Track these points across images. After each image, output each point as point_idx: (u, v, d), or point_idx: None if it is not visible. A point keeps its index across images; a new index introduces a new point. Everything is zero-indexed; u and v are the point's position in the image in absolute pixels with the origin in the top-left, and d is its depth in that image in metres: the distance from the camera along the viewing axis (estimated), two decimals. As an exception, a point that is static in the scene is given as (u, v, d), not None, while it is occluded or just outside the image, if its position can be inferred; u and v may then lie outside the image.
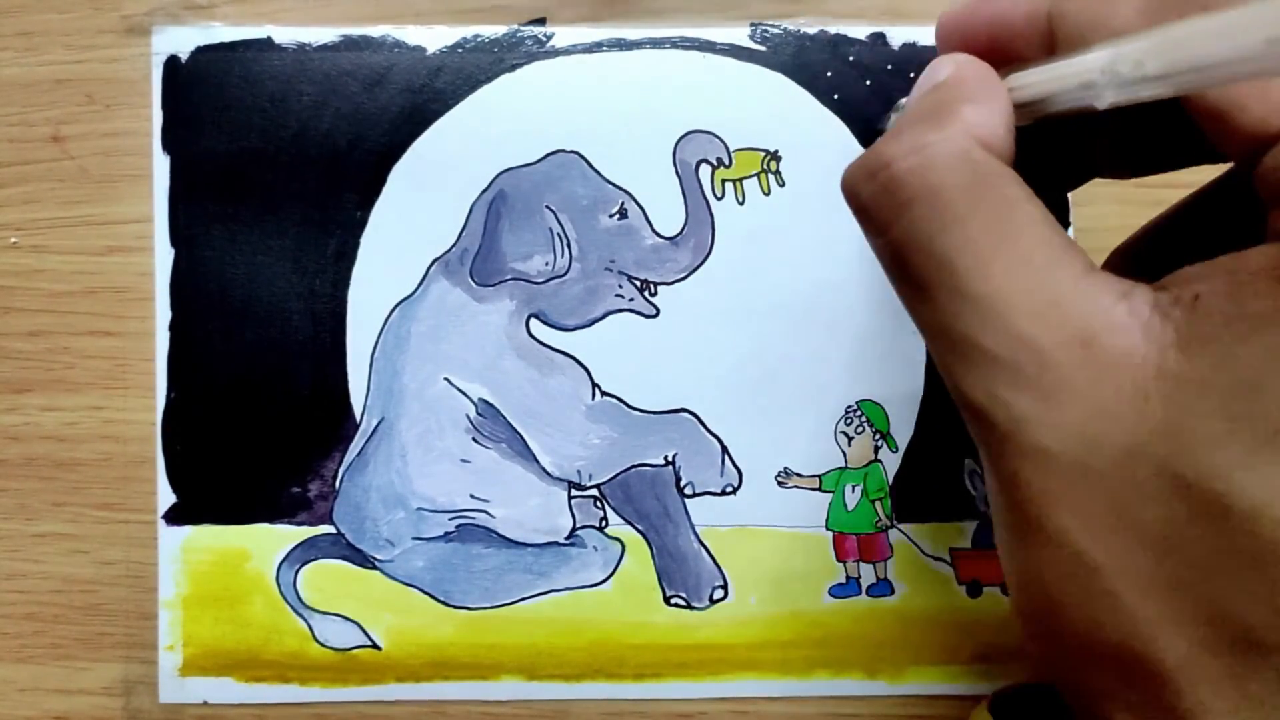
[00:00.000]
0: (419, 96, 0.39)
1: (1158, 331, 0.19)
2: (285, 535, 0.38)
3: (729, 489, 0.39)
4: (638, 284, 0.39)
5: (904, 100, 0.27)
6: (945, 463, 0.39)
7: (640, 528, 0.39)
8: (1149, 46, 0.19)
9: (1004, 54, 0.24)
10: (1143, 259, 0.27)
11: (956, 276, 0.20)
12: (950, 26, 0.25)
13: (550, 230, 0.39)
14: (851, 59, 0.39)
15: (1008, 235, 0.20)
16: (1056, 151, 0.25)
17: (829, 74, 0.39)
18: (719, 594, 0.39)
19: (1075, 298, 0.20)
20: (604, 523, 0.39)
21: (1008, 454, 0.20)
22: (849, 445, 0.39)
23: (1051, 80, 0.22)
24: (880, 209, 0.22)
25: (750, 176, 0.39)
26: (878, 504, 0.39)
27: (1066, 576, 0.20)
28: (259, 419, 0.38)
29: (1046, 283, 0.20)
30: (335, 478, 0.39)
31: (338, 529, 0.39)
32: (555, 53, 0.39)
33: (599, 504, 0.39)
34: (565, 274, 0.39)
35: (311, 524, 0.38)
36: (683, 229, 0.39)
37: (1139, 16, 0.21)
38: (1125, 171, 0.27)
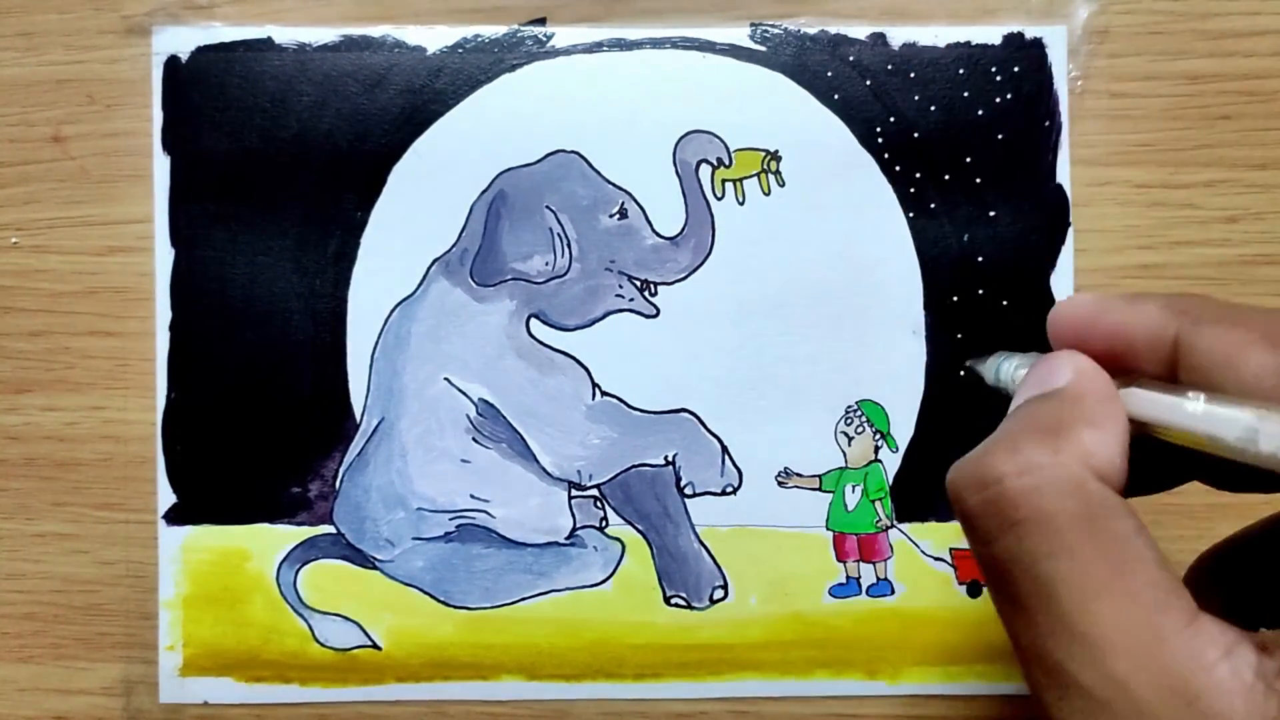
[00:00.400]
0: (419, 97, 0.39)
1: (1260, 703, 0.19)
2: (285, 535, 0.38)
3: (729, 489, 0.39)
4: (638, 284, 0.39)
5: (1001, 359, 0.27)
6: (945, 463, 0.39)
7: (640, 528, 0.39)
8: None
9: (1120, 361, 0.23)
10: (1228, 569, 0.27)
11: (1060, 606, 0.20)
12: (1067, 322, 0.25)
13: (550, 230, 0.39)
14: (851, 59, 0.39)
15: (1116, 572, 0.20)
16: (1157, 456, 0.25)
17: (829, 74, 0.39)
18: (719, 594, 0.39)
19: (1178, 648, 0.19)
20: (604, 523, 0.39)
21: None
22: (849, 445, 0.39)
23: (1178, 418, 0.21)
24: (987, 521, 0.22)
25: (750, 176, 0.39)
26: (878, 504, 0.39)
27: None
28: (259, 419, 0.38)
29: (1151, 627, 0.20)
30: (335, 478, 0.39)
31: (338, 529, 0.39)
32: (555, 53, 0.39)
33: (599, 504, 0.39)
34: (565, 274, 0.39)
35: (311, 524, 0.38)
36: (683, 229, 0.39)
37: (1273, 370, 0.21)
38: (1229, 488, 0.26)
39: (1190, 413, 0.21)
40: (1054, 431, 0.22)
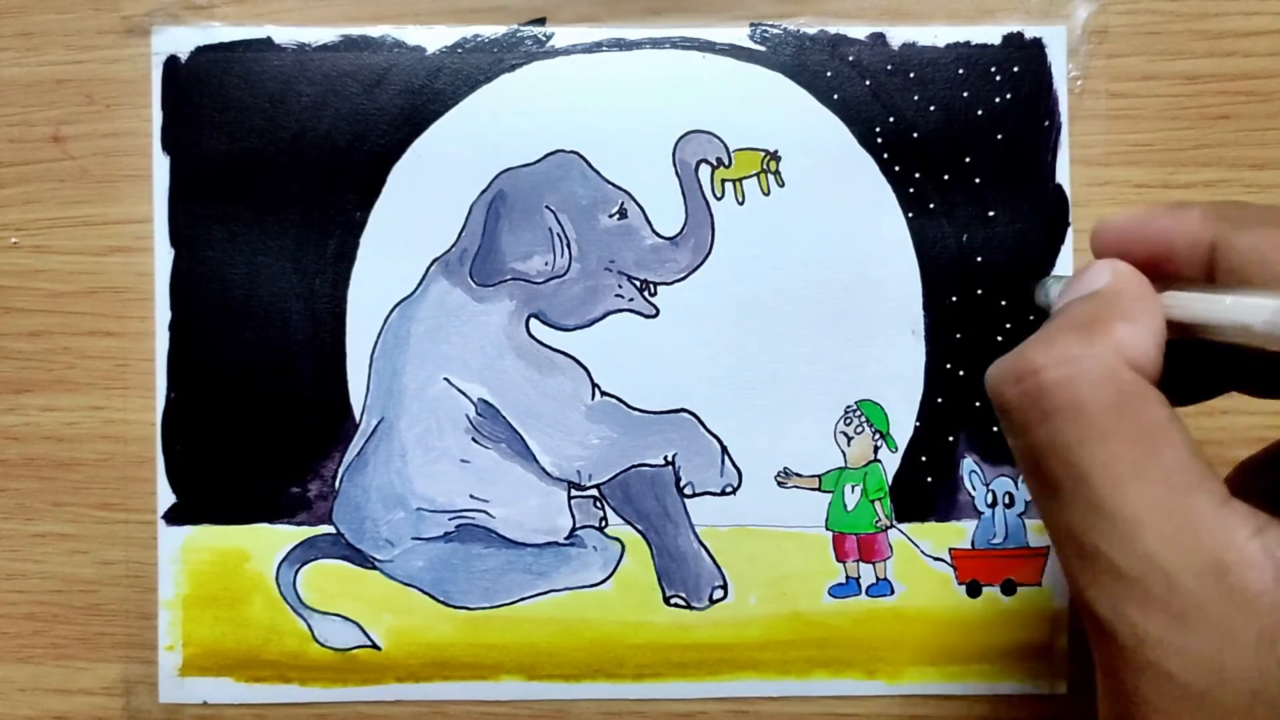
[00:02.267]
0: (419, 96, 0.39)
1: None
2: (285, 535, 0.38)
3: (729, 489, 0.39)
4: (637, 284, 0.39)
5: (1051, 280, 0.27)
6: (945, 463, 0.39)
7: (640, 528, 0.39)
8: None
9: (1160, 269, 0.24)
10: (1267, 476, 0.27)
11: (1093, 490, 0.21)
12: (1108, 233, 0.25)
13: (550, 230, 0.39)
14: (851, 59, 0.39)
15: (1148, 456, 0.21)
16: (1196, 364, 0.26)
17: (829, 74, 0.39)
18: (719, 594, 0.39)
19: (1210, 526, 0.20)
20: (604, 523, 0.39)
21: (1130, 670, 0.21)
22: (849, 445, 0.39)
23: (1209, 311, 0.22)
24: (1024, 413, 0.22)
25: (750, 176, 0.39)
26: (877, 504, 0.39)
27: None
28: (259, 419, 0.38)
29: (1183, 507, 0.20)
30: (335, 478, 0.39)
31: (337, 529, 0.39)
32: (555, 53, 0.39)
33: (599, 504, 0.39)
34: (565, 274, 0.39)
35: (311, 524, 0.39)
36: (683, 229, 0.39)
37: None
38: (1263, 393, 0.27)
39: (1220, 304, 0.22)
40: (1090, 326, 0.22)
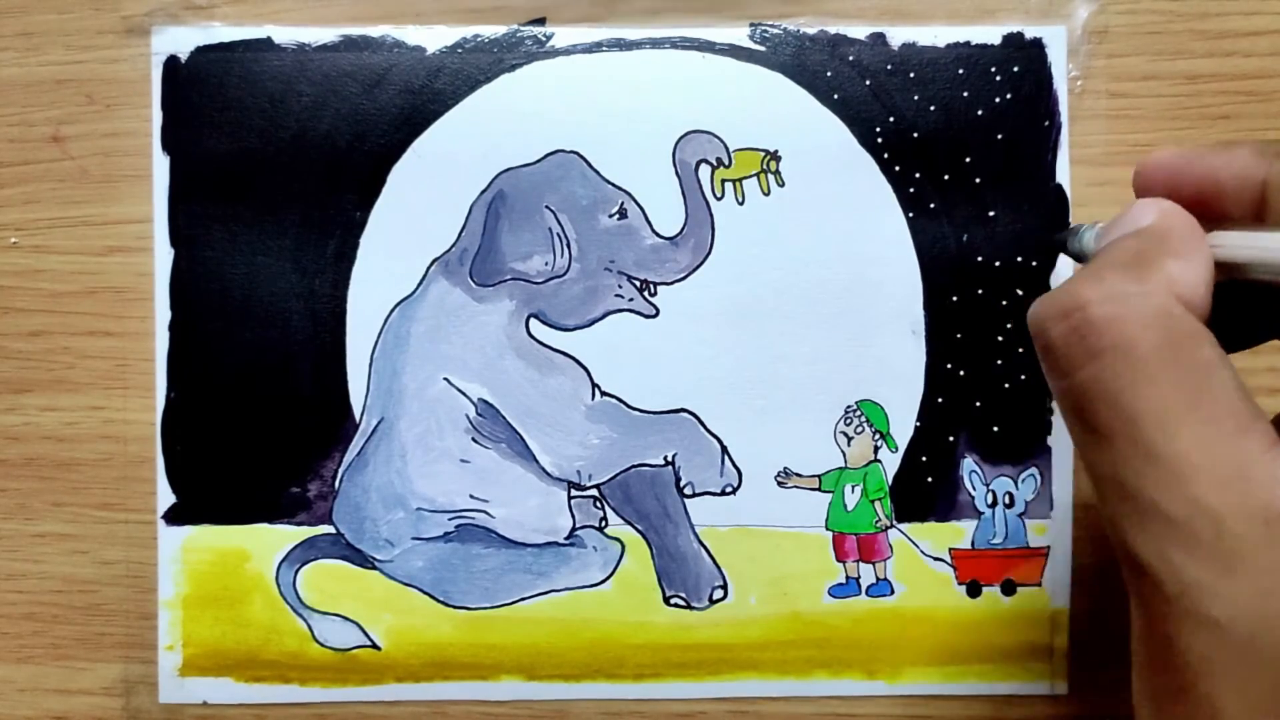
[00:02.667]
0: (419, 97, 0.39)
1: None
2: (285, 535, 0.38)
3: (729, 489, 0.39)
4: (637, 284, 0.39)
5: (1084, 227, 0.27)
6: (945, 463, 0.39)
7: (640, 528, 0.39)
8: None
9: (1207, 210, 0.23)
10: None
11: (1141, 432, 0.20)
12: (1154, 171, 0.25)
13: (550, 230, 0.39)
14: (851, 59, 0.39)
15: (1199, 399, 0.20)
16: (1242, 309, 0.25)
17: (829, 74, 0.39)
18: (719, 594, 0.39)
19: (1260, 470, 0.20)
20: (604, 523, 0.39)
21: (1172, 617, 0.20)
22: (849, 445, 0.39)
23: (1261, 250, 0.22)
24: (1069, 350, 0.22)
25: (750, 176, 0.39)
26: (877, 504, 0.39)
27: None
28: (259, 419, 0.38)
29: (1233, 452, 0.20)
30: (335, 478, 0.39)
31: (337, 529, 0.39)
32: (555, 53, 0.39)
33: (599, 504, 0.39)
34: (565, 274, 0.39)
35: (311, 524, 0.39)
36: (683, 229, 0.39)
37: None
38: None
39: (1271, 241, 0.21)
40: (1139, 263, 0.22)
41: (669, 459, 0.39)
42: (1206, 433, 0.20)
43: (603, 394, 0.39)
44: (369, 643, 0.38)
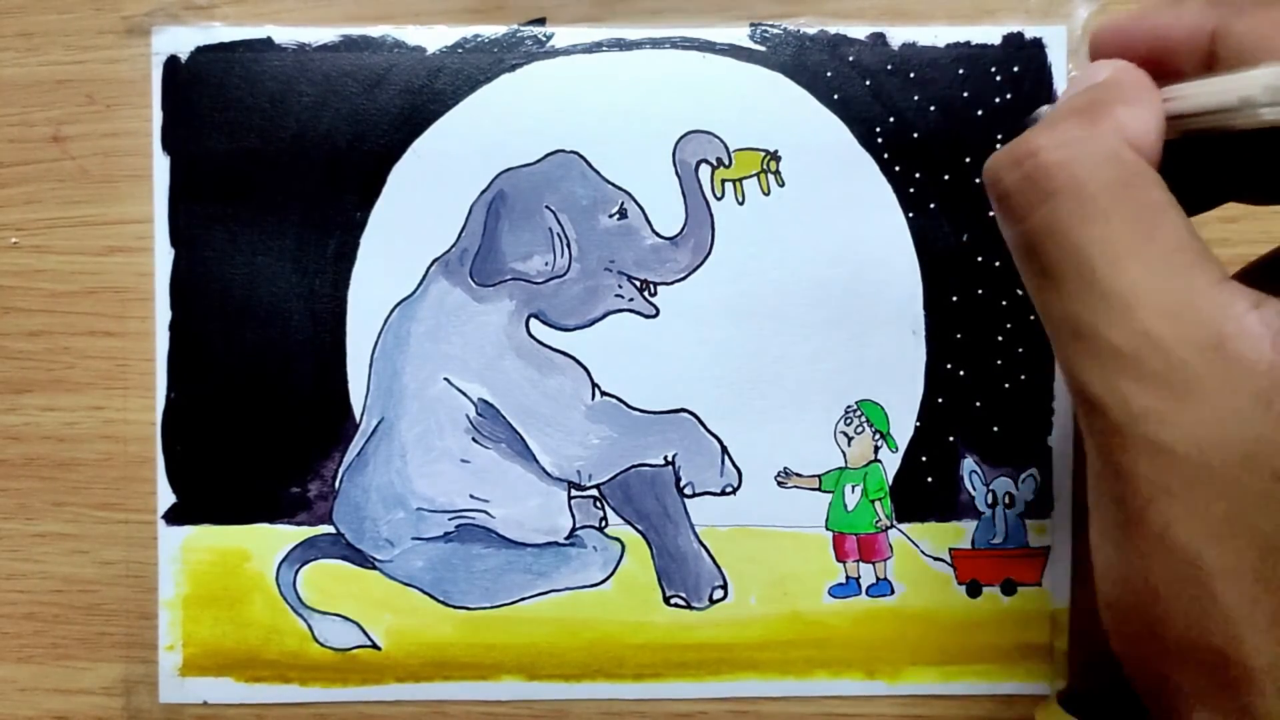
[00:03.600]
0: (419, 97, 0.39)
1: None
2: (285, 535, 0.38)
3: (729, 489, 0.39)
4: (637, 284, 0.39)
5: (1044, 108, 0.27)
6: (945, 463, 0.39)
7: (640, 528, 0.39)
8: None
9: (1161, 67, 0.24)
10: (1270, 279, 0.27)
11: (1091, 269, 0.21)
12: (1107, 35, 0.25)
13: (550, 230, 0.39)
14: (851, 59, 0.39)
15: (1148, 235, 0.21)
16: (1195, 171, 0.25)
17: (829, 74, 0.39)
18: (719, 594, 0.39)
19: (1208, 301, 0.20)
20: (604, 523, 0.39)
21: (1123, 447, 0.20)
22: (849, 445, 0.39)
23: (1209, 94, 0.22)
24: (1022, 196, 0.22)
25: (750, 176, 0.39)
26: (877, 504, 0.39)
27: (1172, 574, 0.20)
28: (259, 419, 0.38)
29: (1181, 284, 0.20)
30: (335, 478, 0.39)
31: (337, 529, 0.39)
32: (555, 53, 0.39)
33: (599, 504, 0.39)
34: (565, 274, 0.39)
35: (311, 524, 0.39)
36: (682, 229, 0.39)
37: None
38: (1263, 198, 0.27)
39: (1220, 84, 0.22)
40: (1090, 110, 0.22)
41: (669, 459, 0.39)
42: (1155, 266, 0.20)
43: (603, 394, 0.39)
44: (369, 643, 0.38)
